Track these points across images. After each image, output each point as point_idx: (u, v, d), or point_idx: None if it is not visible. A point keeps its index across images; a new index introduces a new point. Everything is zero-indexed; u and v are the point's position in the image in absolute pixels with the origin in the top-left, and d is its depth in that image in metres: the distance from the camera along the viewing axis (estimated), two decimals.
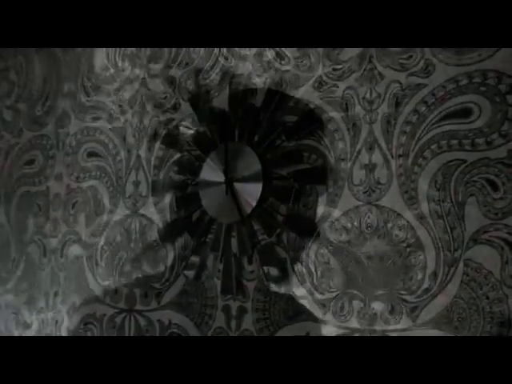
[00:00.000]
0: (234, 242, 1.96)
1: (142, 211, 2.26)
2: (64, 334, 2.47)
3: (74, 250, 2.48)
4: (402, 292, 1.63)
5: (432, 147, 1.61)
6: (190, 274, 2.07)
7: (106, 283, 2.35)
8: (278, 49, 1.94)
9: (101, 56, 2.48)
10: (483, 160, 1.52)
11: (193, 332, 2.07)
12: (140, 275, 2.24)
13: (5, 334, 2.71)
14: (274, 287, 1.89)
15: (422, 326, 1.59)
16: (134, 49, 2.37)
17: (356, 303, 1.72)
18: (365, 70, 1.75)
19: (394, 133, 1.68)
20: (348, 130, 1.77)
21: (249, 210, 1.89)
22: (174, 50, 2.24)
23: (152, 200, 2.24)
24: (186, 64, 2.19)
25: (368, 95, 1.74)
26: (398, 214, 1.65)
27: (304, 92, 1.87)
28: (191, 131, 2.15)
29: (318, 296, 1.79)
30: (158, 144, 2.24)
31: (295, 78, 1.90)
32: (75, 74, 2.58)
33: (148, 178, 2.26)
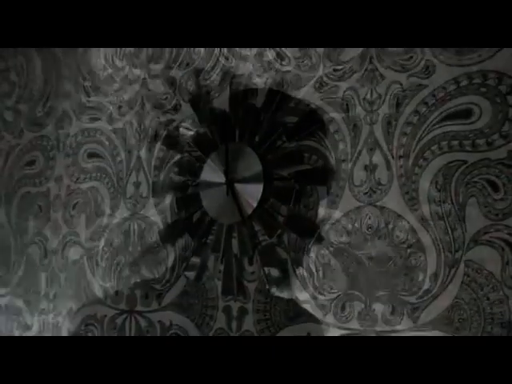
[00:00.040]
0: (234, 242, 1.96)
1: (142, 212, 2.27)
2: (65, 335, 2.47)
3: (75, 251, 2.48)
4: (403, 293, 1.63)
5: (433, 148, 1.61)
6: (191, 274, 2.07)
7: (107, 284, 2.35)
8: (278, 49, 1.94)
9: (101, 57, 2.48)
10: (484, 161, 1.52)
11: (194, 333, 2.07)
12: (140, 277, 2.24)
13: (5, 335, 2.71)
14: (275, 291, 1.89)
15: (422, 327, 1.59)
16: (134, 49, 2.36)
17: (357, 304, 1.72)
18: (365, 70, 1.75)
19: (394, 134, 1.68)
20: (349, 130, 1.77)
21: (249, 211, 1.89)
22: (174, 50, 2.24)
23: (153, 201, 2.24)
24: (187, 65, 2.19)
25: (369, 96, 1.74)
26: (399, 215, 1.65)
27: (305, 93, 1.87)
28: (191, 132, 2.15)
29: (319, 297, 1.79)
30: (158, 145, 2.24)
31: (296, 78, 1.90)
32: (76, 75, 2.58)
33: (148, 179, 2.26)
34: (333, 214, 1.79)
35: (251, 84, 2.00)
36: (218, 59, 2.10)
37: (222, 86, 2.08)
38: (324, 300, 1.78)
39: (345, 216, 1.76)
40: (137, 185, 2.29)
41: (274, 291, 1.89)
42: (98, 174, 2.44)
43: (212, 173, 1.98)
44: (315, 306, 1.80)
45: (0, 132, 2.86)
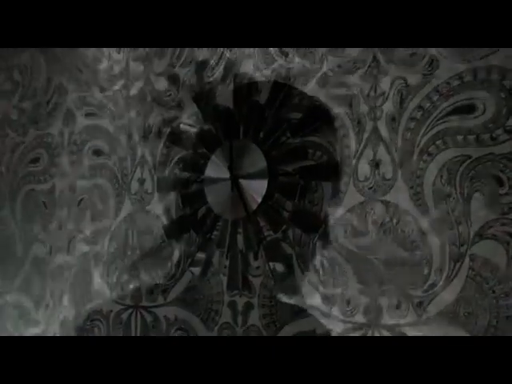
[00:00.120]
0: (239, 238, 1.97)
1: (147, 208, 2.27)
2: (71, 331, 2.48)
3: (80, 247, 2.49)
4: (408, 287, 1.64)
5: (437, 143, 1.61)
6: (196, 270, 2.07)
7: (112, 280, 2.36)
8: None
9: (105, 54, 2.49)
10: (488, 155, 1.53)
11: (199, 328, 2.08)
12: (146, 272, 2.25)
13: (11, 331, 2.72)
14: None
15: (428, 321, 1.60)
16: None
17: (362, 298, 1.73)
18: (369, 66, 1.76)
19: (398, 129, 1.68)
20: (353, 126, 1.78)
21: (254, 207, 1.90)
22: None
23: (157, 197, 2.25)
24: (190, 62, 2.19)
25: (372, 92, 1.75)
26: (404, 210, 1.66)
27: (309, 89, 1.87)
28: (193, 129, 2.15)
29: (324, 291, 1.80)
30: (162, 141, 2.25)
31: (300, 74, 1.90)
32: (79, 73, 2.58)
33: (153, 175, 2.27)
34: (337, 209, 1.79)
35: (255, 81, 2.00)
36: (221, 56, 2.11)
37: (226, 82, 2.09)
38: (329, 294, 1.79)
39: (349, 211, 1.77)
40: (141, 181, 2.30)
41: (281, 297, 1.90)
42: (103, 171, 2.45)
43: (216, 169, 1.99)
44: (320, 300, 1.81)
45: (4, 130, 2.87)
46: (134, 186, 2.32)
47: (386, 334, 1.67)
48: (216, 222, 2.03)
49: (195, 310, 2.11)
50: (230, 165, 1.92)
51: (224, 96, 2.08)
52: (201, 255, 2.06)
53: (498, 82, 1.53)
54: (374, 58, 1.75)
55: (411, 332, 1.62)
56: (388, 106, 1.71)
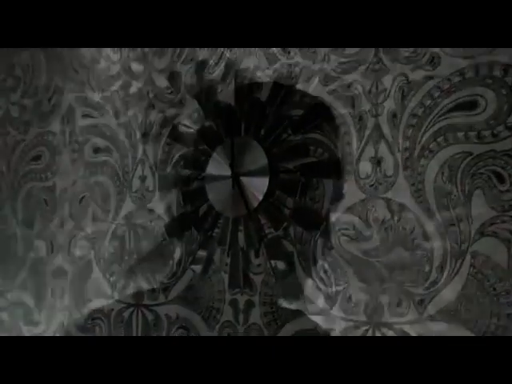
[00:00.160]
0: (240, 235, 1.96)
1: (148, 206, 2.27)
2: (72, 329, 2.48)
3: (82, 245, 2.49)
4: (409, 285, 1.63)
5: (438, 140, 1.61)
6: (197, 268, 2.07)
7: (114, 278, 2.36)
8: None
9: (106, 52, 2.48)
10: (489, 152, 1.53)
11: (200, 326, 2.08)
12: (147, 270, 2.25)
13: (12, 330, 2.72)
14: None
15: (429, 319, 1.60)
16: None
17: (363, 296, 1.72)
18: (371, 63, 1.75)
19: (400, 126, 1.68)
20: (354, 123, 1.77)
21: (255, 204, 1.89)
22: None
23: (158, 195, 2.24)
24: (191, 59, 2.19)
25: (374, 89, 1.74)
26: (405, 207, 1.65)
27: (310, 86, 1.87)
28: (191, 130, 2.15)
29: (325, 289, 1.80)
30: (163, 139, 2.25)
31: (301, 71, 1.90)
32: (81, 70, 2.58)
33: (154, 172, 2.26)
34: (338, 206, 1.79)
35: (256, 78, 2.00)
36: (222, 53, 2.10)
37: (227, 79, 2.08)
38: (330, 292, 1.79)
39: (350, 209, 1.77)
40: (142, 179, 2.30)
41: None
42: (104, 169, 2.45)
43: (218, 166, 1.98)
44: (322, 297, 1.80)
45: (5, 127, 2.87)
46: (135, 183, 2.32)
47: (386, 332, 1.67)
48: (217, 220, 2.03)
49: (196, 308, 2.10)
50: (232, 162, 1.92)
51: (225, 93, 2.08)
52: (202, 253, 2.06)
53: (499, 79, 1.52)
54: (376, 55, 1.74)
55: (412, 330, 1.62)
56: (389, 103, 1.71)
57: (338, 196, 1.79)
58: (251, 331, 1.96)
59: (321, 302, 1.80)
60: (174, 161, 2.21)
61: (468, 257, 1.54)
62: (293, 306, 1.86)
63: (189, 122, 2.17)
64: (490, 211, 1.52)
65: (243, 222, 1.95)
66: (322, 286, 1.81)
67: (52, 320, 2.57)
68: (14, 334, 2.72)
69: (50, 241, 2.60)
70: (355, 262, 1.74)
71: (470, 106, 1.56)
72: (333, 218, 1.80)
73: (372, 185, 1.72)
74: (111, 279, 2.37)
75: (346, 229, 1.77)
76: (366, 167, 1.74)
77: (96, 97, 2.51)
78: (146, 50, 2.32)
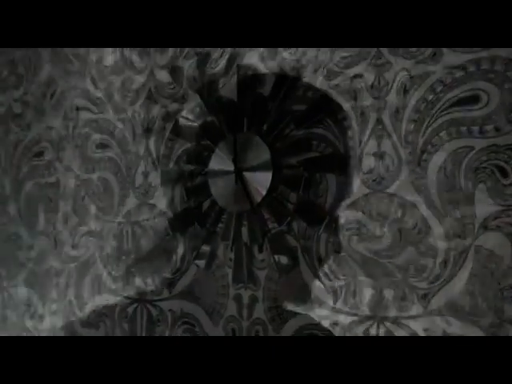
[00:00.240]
0: (244, 231, 1.97)
1: (152, 201, 2.27)
2: (76, 325, 2.49)
3: (86, 241, 2.49)
4: (413, 279, 1.64)
5: (441, 134, 1.61)
6: (201, 263, 2.07)
7: (118, 274, 2.36)
8: None
9: (108, 48, 2.48)
10: (492, 147, 1.53)
11: (205, 321, 2.08)
12: (151, 266, 2.25)
13: (16, 325, 2.73)
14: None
15: (432, 313, 1.60)
16: None
17: (367, 290, 1.73)
18: (373, 57, 1.75)
19: (402, 120, 1.68)
20: (356, 118, 1.77)
21: (259, 199, 1.89)
22: None
23: (162, 190, 2.24)
24: (194, 54, 2.19)
25: (376, 83, 1.74)
26: (408, 202, 1.66)
27: (312, 80, 1.87)
28: (190, 123, 2.15)
29: (329, 283, 1.80)
30: (166, 134, 2.25)
31: (303, 66, 1.90)
32: (83, 66, 2.58)
33: (157, 168, 2.26)
34: (341, 201, 1.79)
35: (258, 73, 2.00)
36: (225, 48, 2.10)
37: (230, 74, 2.08)
38: (334, 286, 1.79)
39: (353, 203, 1.77)
40: (145, 174, 2.30)
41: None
42: (107, 165, 2.45)
43: (220, 162, 1.98)
44: (326, 292, 1.81)
45: (8, 124, 2.87)
46: (138, 179, 2.32)
47: (390, 326, 1.67)
48: (220, 215, 2.03)
49: (200, 303, 2.10)
50: (234, 157, 1.92)
51: (227, 88, 2.08)
52: (205, 248, 2.06)
53: (501, 73, 1.52)
54: (378, 50, 1.74)
55: (416, 325, 1.63)
56: (392, 98, 1.71)
57: (340, 191, 1.79)
58: (255, 326, 1.96)
59: (325, 296, 1.81)
60: (176, 156, 2.21)
61: (472, 251, 1.54)
62: (297, 301, 1.86)
63: (191, 116, 2.16)
64: (494, 205, 1.52)
65: (247, 217, 1.95)
66: (325, 280, 1.81)
67: (56, 316, 2.57)
68: (18, 330, 2.73)
69: (54, 237, 2.61)
70: (359, 257, 1.74)
71: (472, 100, 1.56)
72: (336, 212, 1.80)
73: (375, 179, 1.72)
74: (115, 275, 2.37)
75: (349, 223, 1.77)
76: (368, 162, 1.74)
77: (98, 92, 2.51)
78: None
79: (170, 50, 2.26)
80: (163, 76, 2.28)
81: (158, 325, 2.21)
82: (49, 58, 2.74)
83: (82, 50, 2.58)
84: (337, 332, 1.77)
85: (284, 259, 1.89)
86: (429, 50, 1.64)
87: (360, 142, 1.76)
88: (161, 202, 2.24)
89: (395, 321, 1.66)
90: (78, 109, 2.58)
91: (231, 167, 1.93)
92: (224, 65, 2.10)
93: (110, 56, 2.47)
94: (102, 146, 2.48)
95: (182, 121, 2.19)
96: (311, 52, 1.88)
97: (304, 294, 1.85)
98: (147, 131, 2.31)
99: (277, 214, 1.89)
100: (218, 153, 2.00)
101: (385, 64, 1.73)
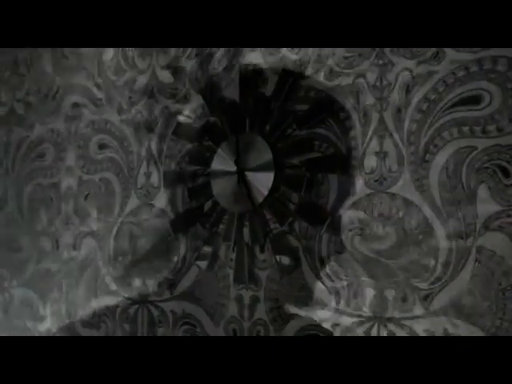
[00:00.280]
0: (246, 231, 1.97)
1: (153, 202, 2.27)
2: (78, 325, 2.48)
3: (87, 241, 2.49)
4: (415, 279, 1.63)
5: (443, 134, 1.61)
6: (203, 264, 2.07)
7: (119, 274, 2.36)
8: None
9: (110, 48, 2.49)
10: (494, 147, 1.52)
11: (206, 322, 2.08)
12: (153, 266, 2.25)
13: (18, 326, 2.73)
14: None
15: (434, 314, 1.60)
16: None
17: (369, 291, 1.72)
18: (375, 57, 1.75)
19: (404, 120, 1.68)
20: (359, 118, 1.77)
21: (260, 200, 1.89)
22: None
23: (164, 191, 2.24)
24: (196, 55, 2.19)
25: (378, 83, 1.74)
26: (410, 202, 1.65)
27: (314, 80, 1.87)
28: (190, 121, 2.16)
29: (331, 284, 1.80)
30: (169, 135, 2.25)
31: (306, 66, 1.90)
32: (85, 67, 2.58)
33: (159, 168, 2.26)
34: (344, 201, 1.79)
35: (261, 73, 2.00)
36: (227, 48, 2.10)
37: (232, 75, 2.08)
38: (336, 287, 1.79)
39: (356, 203, 1.77)
40: (148, 175, 2.30)
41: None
42: (109, 165, 2.45)
43: (223, 162, 1.98)
44: (327, 293, 1.80)
45: (10, 125, 2.87)
46: (141, 179, 2.32)
47: (392, 327, 1.67)
48: (222, 216, 2.03)
49: (202, 304, 2.10)
50: (237, 158, 1.92)
51: (230, 89, 2.08)
52: (207, 249, 2.06)
53: (503, 73, 1.52)
54: (381, 50, 1.74)
55: (418, 325, 1.62)
56: (394, 98, 1.71)
57: (342, 191, 1.79)
58: (256, 327, 1.96)
59: (326, 296, 1.81)
60: (178, 157, 2.21)
61: (473, 251, 1.54)
62: (298, 302, 1.86)
63: (193, 116, 2.17)
64: (496, 205, 1.52)
65: (248, 218, 1.95)
66: (327, 280, 1.81)
67: (57, 317, 2.57)
68: (19, 330, 2.73)
69: (56, 238, 2.61)
70: (361, 258, 1.74)
71: (474, 100, 1.56)
72: (338, 212, 1.80)
73: (377, 180, 1.72)
74: (116, 275, 2.37)
75: (351, 224, 1.77)
76: (370, 162, 1.74)
77: (100, 93, 2.51)
78: None
79: (173, 50, 2.26)
80: (165, 76, 2.28)
81: (159, 326, 2.21)
82: (50, 59, 2.74)
83: (84, 51, 2.58)
84: (338, 333, 1.77)
85: (286, 260, 1.88)
86: (431, 50, 1.65)
87: (362, 142, 1.76)
88: (163, 202, 2.24)
89: (397, 321, 1.66)
90: (79, 108, 2.58)
91: (233, 168, 1.93)
92: (226, 65, 2.10)
93: (112, 56, 2.47)
94: (104, 146, 2.48)
95: (184, 121, 2.19)
96: (313, 52, 1.88)
97: (306, 295, 1.85)
98: (149, 132, 2.31)
99: (278, 215, 1.89)
100: (220, 153, 2.00)
101: (387, 64, 1.73)
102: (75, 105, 2.61)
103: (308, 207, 1.85)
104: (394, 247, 1.67)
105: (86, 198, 2.52)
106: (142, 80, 2.36)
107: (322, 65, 1.86)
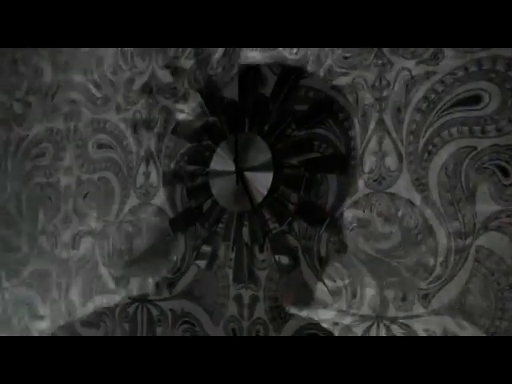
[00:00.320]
0: (245, 231, 1.97)
1: (153, 202, 2.27)
2: (77, 325, 2.48)
3: (86, 241, 2.49)
4: (414, 279, 1.64)
5: (442, 134, 1.61)
6: (202, 263, 2.08)
7: (118, 274, 2.36)
8: None
9: (109, 48, 2.48)
10: (493, 147, 1.53)
11: (205, 321, 2.08)
12: (152, 265, 2.25)
13: (17, 325, 2.73)
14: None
15: (433, 313, 1.60)
16: None
17: (368, 290, 1.73)
18: (374, 57, 1.75)
19: (404, 120, 1.68)
20: (358, 118, 1.77)
21: (260, 199, 1.89)
22: None
23: (163, 190, 2.25)
24: (196, 54, 2.19)
25: (378, 83, 1.74)
26: (409, 202, 1.66)
27: (314, 81, 1.87)
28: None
29: (330, 283, 1.80)
30: (168, 134, 2.25)
31: (305, 66, 1.90)
32: (84, 66, 2.58)
33: (158, 168, 2.26)
34: (343, 201, 1.79)
35: (260, 73, 2.00)
36: (226, 48, 2.10)
37: (231, 75, 2.08)
38: (335, 286, 1.79)
39: (355, 203, 1.77)
40: (147, 174, 2.30)
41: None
42: (108, 165, 2.45)
43: (222, 162, 1.99)
44: (326, 292, 1.81)
45: (9, 124, 2.87)
46: (139, 179, 2.32)
47: (391, 326, 1.67)
48: (221, 215, 2.03)
49: (201, 303, 2.11)
50: (236, 157, 1.92)
51: (229, 88, 2.08)
52: (206, 248, 2.07)
53: (503, 73, 1.52)
54: (380, 50, 1.74)
55: (417, 324, 1.63)
56: (393, 98, 1.71)
57: (341, 191, 1.79)
58: (256, 326, 1.96)
59: (325, 296, 1.81)
60: (178, 156, 2.21)
61: (472, 251, 1.55)
62: (297, 302, 1.87)
63: (193, 116, 2.17)
64: (495, 205, 1.52)
65: (247, 218, 1.96)
66: (326, 280, 1.81)
67: (56, 316, 2.57)
68: (18, 330, 2.73)
69: (55, 237, 2.61)
70: (359, 257, 1.74)
71: (473, 100, 1.57)
72: (336, 212, 1.80)
73: (376, 179, 1.72)
74: (116, 275, 2.37)
75: (350, 223, 1.77)
76: (369, 162, 1.74)
77: (99, 92, 2.51)
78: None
79: (172, 50, 2.26)
80: (165, 76, 2.28)
81: (159, 325, 2.21)
82: (49, 58, 2.74)
83: (84, 50, 2.58)
84: (337, 332, 1.77)
85: (285, 259, 1.89)
86: (430, 50, 1.65)
87: (361, 142, 1.76)
88: (162, 202, 2.24)
89: (396, 321, 1.66)
90: (78, 107, 2.58)
91: (232, 167, 1.93)
92: (225, 65, 2.10)
93: (112, 56, 2.47)
94: (103, 146, 2.48)
95: (183, 121, 2.19)
96: (313, 52, 1.88)
97: (305, 294, 1.85)
98: (148, 131, 2.31)
99: (278, 215, 1.89)
100: (219, 153, 2.00)
101: (386, 64, 1.73)
102: (74, 104, 2.61)
103: (307, 207, 1.85)
104: (394, 247, 1.68)
105: (84, 197, 2.51)
106: (142, 80, 2.35)
107: (321, 65, 1.86)
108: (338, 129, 1.81)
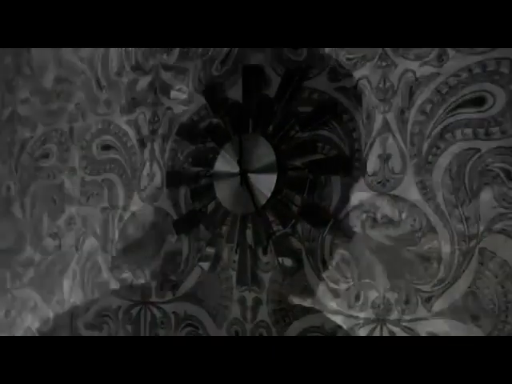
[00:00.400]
0: (248, 233, 1.96)
1: (156, 203, 2.27)
2: (80, 326, 2.48)
3: (90, 243, 2.49)
4: (417, 281, 1.63)
5: (446, 136, 1.60)
6: (206, 265, 2.07)
7: (122, 276, 2.36)
8: None
9: (113, 48, 2.48)
10: (497, 149, 1.52)
11: (208, 323, 2.08)
12: (155, 267, 2.25)
13: (21, 327, 2.73)
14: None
15: (436, 316, 1.59)
16: None
17: (371, 293, 1.72)
18: (378, 59, 1.75)
19: (408, 122, 1.68)
20: (362, 119, 1.77)
21: (263, 201, 1.89)
22: None
23: (167, 192, 2.24)
24: (200, 55, 2.19)
25: (382, 85, 1.74)
26: (413, 204, 1.65)
27: (318, 82, 1.87)
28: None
29: (333, 286, 1.80)
30: (172, 136, 2.25)
31: (309, 67, 1.89)
32: (88, 67, 2.58)
33: (163, 169, 2.26)
34: (346, 203, 1.79)
35: (264, 74, 1.99)
36: (230, 49, 2.10)
37: (235, 76, 2.08)
38: (338, 289, 1.79)
39: (358, 205, 1.76)
40: (151, 176, 2.30)
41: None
42: (112, 166, 2.45)
43: (226, 163, 1.99)
44: (330, 294, 1.80)
45: (14, 125, 2.88)
46: (144, 180, 2.32)
47: (394, 329, 1.66)
48: (225, 217, 2.03)
49: (204, 305, 2.10)
50: (240, 159, 1.92)
51: (233, 89, 2.07)
52: (210, 250, 2.07)
53: (507, 75, 1.52)
54: (383, 51, 1.74)
55: (420, 327, 1.62)
56: (397, 99, 1.70)
57: (345, 193, 1.79)
58: (259, 329, 1.96)
59: (329, 299, 1.80)
60: (182, 158, 2.21)
61: (476, 253, 1.54)
62: (301, 304, 1.86)
63: (197, 118, 2.17)
64: (499, 208, 1.51)
65: (251, 220, 1.95)
66: (330, 283, 1.80)
67: (60, 318, 2.57)
68: (22, 331, 2.73)
69: (59, 238, 2.61)
70: (363, 259, 1.74)
71: (478, 102, 1.56)
72: (340, 215, 1.79)
73: (380, 182, 1.72)
74: (119, 277, 2.37)
75: (354, 226, 1.77)
76: (373, 164, 1.74)
77: (103, 94, 2.51)
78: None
79: (176, 51, 2.26)
80: (169, 77, 2.28)
81: (162, 327, 2.21)
82: (54, 60, 2.74)
83: (88, 51, 2.58)
84: (340, 335, 1.77)
85: (288, 261, 1.88)
86: (434, 52, 1.64)
87: (365, 144, 1.76)
88: (165, 203, 2.24)
89: (399, 324, 1.66)
90: (82, 109, 2.59)
91: (236, 169, 1.93)
92: (229, 66, 2.10)
93: (116, 57, 2.47)
94: (107, 147, 2.48)
95: (187, 122, 2.19)
96: (317, 53, 1.88)
97: (308, 297, 1.85)
98: (152, 133, 2.31)
99: (281, 217, 1.89)
100: (223, 154, 2.00)
101: (390, 65, 1.72)
102: (78, 105, 2.61)
103: (311, 209, 1.85)
104: (396, 249, 1.67)
105: (88, 198, 2.51)
106: (146, 81, 2.35)
107: (325, 66, 1.86)
108: (342, 130, 1.80)
